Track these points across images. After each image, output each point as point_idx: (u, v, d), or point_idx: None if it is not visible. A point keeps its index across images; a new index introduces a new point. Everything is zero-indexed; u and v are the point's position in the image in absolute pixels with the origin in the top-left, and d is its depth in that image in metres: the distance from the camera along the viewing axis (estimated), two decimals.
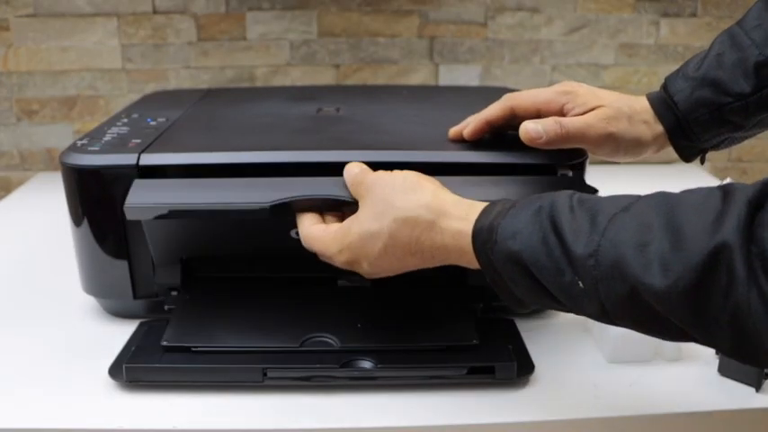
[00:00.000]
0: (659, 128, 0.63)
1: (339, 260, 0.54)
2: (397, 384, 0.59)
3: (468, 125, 0.66)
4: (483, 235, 0.48)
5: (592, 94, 0.63)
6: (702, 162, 0.67)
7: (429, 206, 0.51)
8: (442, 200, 0.51)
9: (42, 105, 1.17)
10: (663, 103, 0.63)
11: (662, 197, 0.43)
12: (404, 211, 0.51)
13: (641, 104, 0.63)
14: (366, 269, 0.54)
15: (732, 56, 0.60)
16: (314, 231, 0.56)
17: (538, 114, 0.63)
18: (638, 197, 0.44)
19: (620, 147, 0.62)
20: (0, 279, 0.80)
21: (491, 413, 0.56)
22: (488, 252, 0.47)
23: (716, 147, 0.65)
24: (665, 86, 0.64)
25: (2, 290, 0.78)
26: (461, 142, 0.67)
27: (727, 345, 0.40)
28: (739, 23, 0.62)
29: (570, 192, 0.47)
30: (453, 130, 0.67)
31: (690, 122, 0.62)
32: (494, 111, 0.65)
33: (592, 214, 0.44)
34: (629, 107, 0.62)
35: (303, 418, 0.56)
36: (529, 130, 0.60)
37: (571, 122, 0.61)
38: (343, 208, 0.57)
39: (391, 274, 0.54)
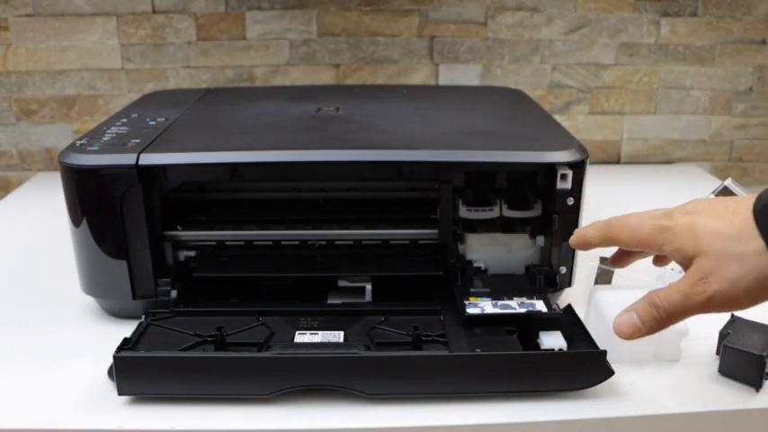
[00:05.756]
0: None
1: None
2: None
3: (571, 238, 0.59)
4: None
5: (690, 233, 0.49)
6: None
7: None
8: None
9: (41, 105, 1.17)
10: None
11: None
12: None
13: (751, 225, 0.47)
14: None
15: None
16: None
17: (638, 248, 0.55)
18: None
19: (738, 301, 0.47)
20: None
21: (490, 414, 0.56)
22: None
23: None
24: None
25: (1, 290, 0.77)
26: (461, 144, 0.67)
27: None
28: None
29: None
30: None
31: None
32: (593, 236, 0.56)
33: None
34: (738, 240, 0.47)
35: (304, 418, 0.56)
36: (622, 326, 0.51)
37: (667, 299, 0.49)
38: None
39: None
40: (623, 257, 0.59)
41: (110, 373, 0.59)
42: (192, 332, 0.61)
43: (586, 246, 0.57)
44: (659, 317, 0.49)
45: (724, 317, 0.63)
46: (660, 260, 0.58)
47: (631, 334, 0.50)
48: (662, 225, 0.51)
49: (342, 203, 0.76)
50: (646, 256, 0.58)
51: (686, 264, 0.49)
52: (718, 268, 0.47)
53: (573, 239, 0.58)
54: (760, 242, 0.46)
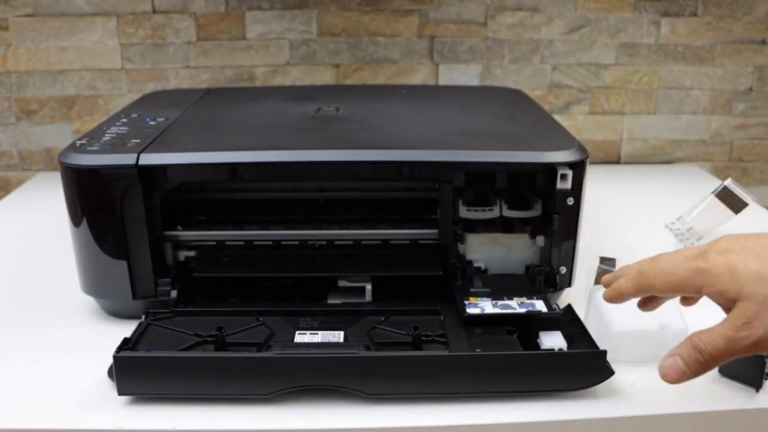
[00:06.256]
0: None
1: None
2: None
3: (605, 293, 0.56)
4: None
5: (730, 274, 0.47)
6: None
7: None
8: None
9: (41, 105, 1.17)
10: None
11: None
12: None
13: None
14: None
15: None
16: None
17: (673, 294, 0.54)
18: None
19: None
20: None
21: (490, 414, 0.56)
22: None
23: None
24: None
25: (1, 290, 0.77)
26: (461, 144, 0.67)
27: None
28: None
29: None
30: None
31: None
32: (628, 288, 0.54)
33: None
34: None
35: (304, 418, 0.56)
36: (668, 371, 0.49)
37: (711, 343, 0.48)
38: None
39: None
40: (651, 301, 0.56)
41: (110, 373, 0.58)
42: (192, 332, 0.61)
43: (622, 299, 0.55)
44: (704, 361, 0.48)
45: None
46: (689, 300, 0.56)
47: (677, 378, 0.49)
48: (699, 267, 0.49)
49: (342, 203, 0.76)
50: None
51: (727, 305, 0.48)
52: (762, 312, 0.46)
53: (607, 294, 0.55)
54: None
